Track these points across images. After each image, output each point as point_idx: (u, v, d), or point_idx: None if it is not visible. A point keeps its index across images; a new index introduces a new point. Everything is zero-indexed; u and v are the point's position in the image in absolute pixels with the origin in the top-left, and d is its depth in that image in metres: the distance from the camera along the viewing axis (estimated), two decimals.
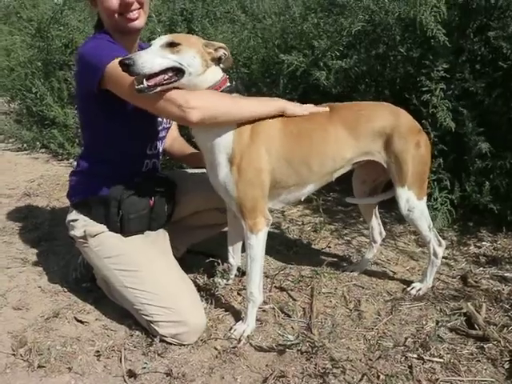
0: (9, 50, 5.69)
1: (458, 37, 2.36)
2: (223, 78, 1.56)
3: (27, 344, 1.57)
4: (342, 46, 2.45)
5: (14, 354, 1.52)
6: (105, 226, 1.70)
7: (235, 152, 1.54)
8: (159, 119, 1.81)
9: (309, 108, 1.67)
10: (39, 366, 1.46)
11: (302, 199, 1.80)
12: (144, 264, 1.65)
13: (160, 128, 1.84)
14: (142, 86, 1.36)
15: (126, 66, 1.32)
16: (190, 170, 2.12)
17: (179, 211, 1.94)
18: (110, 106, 1.60)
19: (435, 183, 2.30)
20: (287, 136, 1.61)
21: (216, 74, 1.54)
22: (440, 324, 1.67)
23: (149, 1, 1.71)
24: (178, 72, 1.42)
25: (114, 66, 1.46)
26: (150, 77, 1.37)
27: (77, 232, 1.72)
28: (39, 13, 4.83)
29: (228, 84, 1.57)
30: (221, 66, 1.55)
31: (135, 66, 1.32)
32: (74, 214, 1.76)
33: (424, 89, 2.25)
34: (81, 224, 1.72)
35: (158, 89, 1.40)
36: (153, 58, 1.36)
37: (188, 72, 1.43)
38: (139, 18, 1.65)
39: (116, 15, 1.61)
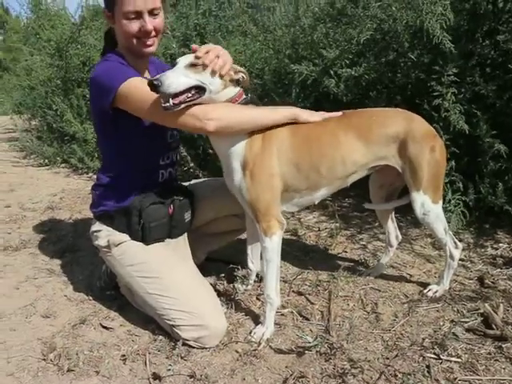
0: (29, 69, 5.89)
1: (467, 41, 2.39)
2: (239, 92, 1.63)
3: (56, 349, 1.63)
4: (351, 55, 2.51)
5: (44, 359, 1.59)
6: (127, 236, 1.77)
7: (247, 158, 1.62)
8: (170, 131, 1.87)
9: (321, 114, 1.72)
10: (68, 370, 1.53)
11: (316, 203, 1.84)
12: (166, 271, 1.71)
13: (171, 140, 1.90)
14: (168, 104, 1.46)
15: (155, 87, 1.42)
16: (206, 179, 2.19)
17: (198, 219, 2.00)
18: (123, 123, 1.69)
19: (448, 186, 2.32)
20: (297, 141, 1.67)
21: (232, 92, 1.62)
22: (455, 323, 1.69)
23: (163, 29, 1.81)
24: (200, 90, 1.51)
25: (127, 86, 1.58)
26: (174, 95, 1.46)
27: (101, 242, 1.80)
28: (57, 33, 5.02)
29: (244, 97, 1.65)
30: (240, 86, 1.64)
31: (163, 86, 1.42)
32: (97, 225, 1.84)
33: (435, 94, 2.28)
34: (104, 234, 1.79)
35: (182, 106, 1.50)
36: (178, 78, 1.45)
37: (209, 90, 1.52)
38: (154, 45, 1.73)
39: (134, 39, 1.69)
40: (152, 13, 1.66)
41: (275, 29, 3.17)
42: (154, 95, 1.52)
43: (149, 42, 1.70)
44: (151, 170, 1.85)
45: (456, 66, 2.29)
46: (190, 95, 1.49)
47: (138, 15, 1.65)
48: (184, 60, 1.52)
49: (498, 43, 2.29)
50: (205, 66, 1.50)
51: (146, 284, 1.69)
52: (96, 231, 1.84)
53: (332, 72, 2.60)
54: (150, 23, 1.66)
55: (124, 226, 1.77)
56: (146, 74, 1.86)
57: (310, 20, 2.87)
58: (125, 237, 1.76)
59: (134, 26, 1.66)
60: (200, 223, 2.04)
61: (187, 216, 1.88)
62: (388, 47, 2.67)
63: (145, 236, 1.75)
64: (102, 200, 1.83)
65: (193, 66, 1.50)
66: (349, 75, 2.55)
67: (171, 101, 1.46)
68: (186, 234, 1.94)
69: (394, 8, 2.36)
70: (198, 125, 1.55)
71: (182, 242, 1.90)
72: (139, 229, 1.74)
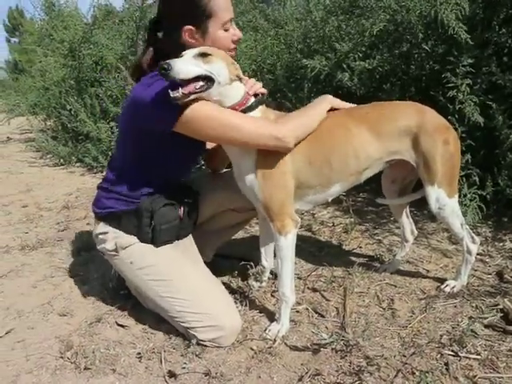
0: (43, 70, 5.96)
1: (483, 30, 2.34)
2: (245, 96, 1.60)
3: (73, 347, 1.65)
4: (364, 47, 2.47)
5: (61, 357, 1.60)
6: (135, 238, 1.71)
7: (259, 156, 1.59)
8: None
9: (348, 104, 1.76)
10: (85, 368, 1.54)
11: (330, 200, 1.82)
12: (177, 272, 1.68)
13: (202, 154, 1.91)
14: (177, 94, 1.42)
15: (164, 70, 1.38)
16: (204, 174, 2.15)
17: (199, 216, 1.96)
18: (169, 141, 1.62)
19: (464, 179, 2.28)
20: (309, 138, 1.64)
21: (240, 89, 1.59)
22: (473, 319, 1.66)
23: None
24: (209, 81, 1.48)
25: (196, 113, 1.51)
26: (183, 84, 1.43)
27: (108, 245, 1.74)
28: (70, 34, 5.07)
29: (252, 99, 1.62)
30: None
31: (172, 71, 1.38)
32: (102, 227, 1.76)
33: (450, 85, 2.23)
34: (111, 236, 1.73)
35: (192, 97, 1.46)
36: (187, 66, 1.43)
37: (217, 81, 1.49)
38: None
39: (227, 51, 1.65)
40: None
41: (286, 23, 3.14)
42: (234, 119, 1.52)
43: (235, 52, 1.71)
44: (170, 182, 1.79)
45: (471, 56, 2.24)
46: (198, 86, 1.46)
47: (229, 23, 1.64)
48: (192, 50, 1.50)
49: None
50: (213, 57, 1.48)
51: (157, 287, 1.67)
52: (101, 233, 1.76)
53: (345, 65, 2.56)
54: (237, 29, 1.69)
55: (133, 227, 1.71)
56: None
57: (321, 13, 2.83)
58: (133, 239, 1.71)
59: (230, 35, 1.65)
60: (200, 220, 1.99)
61: (194, 217, 1.86)
62: (401, 38, 2.63)
63: (155, 238, 1.70)
64: (109, 200, 1.75)
65: (201, 55, 1.47)
66: (362, 68, 2.52)
67: (181, 90, 1.43)
68: (190, 235, 1.90)
69: None
70: (279, 145, 1.55)
71: (189, 242, 1.86)
72: (149, 231, 1.69)
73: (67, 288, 2.12)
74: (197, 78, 1.46)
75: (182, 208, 1.78)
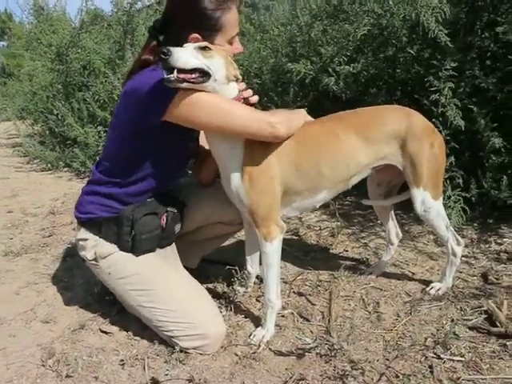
0: (31, 75, 5.92)
1: (466, 34, 2.36)
2: (240, 94, 1.59)
3: (55, 355, 1.62)
4: (349, 51, 2.47)
5: (43, 365, 1.58)
6: (115, 246, 1.68)
7: (246, 161, 1.58)
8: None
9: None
10: (67, 376, 1.51)
11: (317, 206, 1.82)
12: (158, 281, 1.65)
13: (189, 162, 1.89)
14: (172, 75, 1.39)
15: (164, 55, 1.36)
16: (193, 184, 2.07)
17: (184, 227, 1.92)
18: (158, 139, 1.61)
19: (448, 181, 2.29)
20: (297, 143, 1.63)
21: (235, 89, 1.58)
22: (458, 321, 1.66)
23: None
24: (205, 75, 1.47)
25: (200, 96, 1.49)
26: (179, 72, 1.41)
27: (87, 254, 1.71)
28: (58, 38, 5.03)
29: (242, 101, 1.60)
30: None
31: (172, 57, 1.36)
32: (83, 233, 1.73)
33: (433, 89, 2.25)
34: (91, 244, 1.70)
35: (184, 84, 1.43)
36: (187, 56, 1.41)
37: (214, 77, 1.48)
38: None
39: None
40: None
41: (272, 28, 3.15)
42: (226, 104, 1.51)
43: None
44: (155, 190, 1.75)
45: (455, 60, 2.26)
46: (193, 77, 1.44)
47: (235, 37, 1.67)
48: (194, 43, 1.48)
49: (498, 35, 2.26)
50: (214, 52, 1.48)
51: (139, 297, 1.64)
52: (82, 239, 1.73)
53: (330, 69, 2.57)
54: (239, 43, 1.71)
55: (113, 234, 1.68)
56: None
57: (306, 18, 2.84)
58: (112, 248, 1.67)
59: (232, 48, 1.67)
60: (186, 230, 1.96)
61: (177, 228, 1.81)
62: (387, 42, 2.64)
63: (135, 247, 1.66)
64: (91, 205, 1.71)
65: (202, 49, 1.46)
66: (347, 72, 2.53)
67: (175, 73, 1.39)
68: (173, 243, 1.87)
69: (390, 2, 2.33)
70: (272, 131, 1.54)
71: (171, 250, 1.82)
72: (129, 239, 1.66)
73: (51, 295, 2.09)
74: (194, 70, 1.44)
75: (165, 218, 1.73)
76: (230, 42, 1.65)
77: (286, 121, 1.60)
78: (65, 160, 4.67)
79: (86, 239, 1.71)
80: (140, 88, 1.52)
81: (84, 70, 4.79)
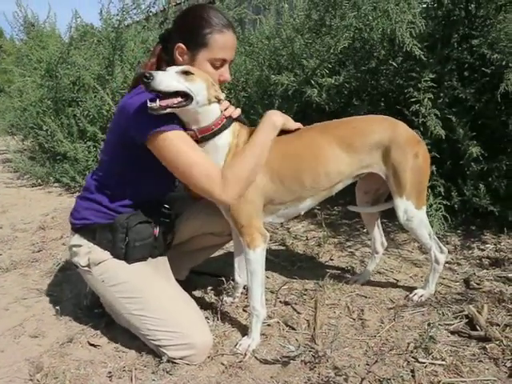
0: (21, 90, 5.93)
1: (443, 47, 2.44)
2: (221, 116, 1.63)
3: (43, 369, 1.63)
4: (331, 64, 2.54)
5: (31, 379, 1.59)
6: (108, 253, 1.72)
7: None
8: None
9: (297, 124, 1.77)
10: None
11: (302, 213, 1.86)
12: (149, 290, 1.68)
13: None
14: (154, 104, 1.45)
15: (146, 78, 1.41)
16: (187, 196, 2.10)
17: (177, 238, 1.98)
18: (147, 157, 1.62)
19: (429, 190, 2.34)
20: (279, 153, 1.68)
21: (217, 110, 1.63)
22: (440, 326, 1.70)
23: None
24: (187, 98, 1.52)
25: (168, 135, 1.54)
26: (162, 97, 1.47)
27: (80, 260, 1.74)
28: (48, 54, 5.08)
29: (224, 121, 1.64)
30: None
31: (154, 81, 1.42)
32: (76, 239, 1.77)
33: (413, 99, 2.32)
34: (84, 251, 1.73)
35: (168, 110, 1.49)
36: (169, 79, 1.46)
37: (196, 100, 1.53)
38: None
39: None
40: (230, 62, 1.70)
41: (257, 41, 3.22)
42: (191, 151, 1.54)
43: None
44: (149, 200, 1.79)
45: (434, 72, 2.33)
46: (176, 102, 1.49)
47: (222, 63, 1.67)
48: (177, 67, 1.54)
49: (473, 47, 2.33)
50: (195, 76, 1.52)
51: (129, 305, 1.67)
52: (75, 246, 1.76)
53: (313, 81, 2.63)
54: (229, 72, 1.70)
55: (107, 241, 1.72)
56: None
57: (289, 31, 2.91)
58: (106, 255, 1.72)
59: (216, 73, 1.66)
60: (179, 241, 2.01)
61: (169, 238, 1.87)
62: (369, 55, 2.72)
63: (128, 254, 1.71)
64: (87, 211, 1.75)
65: (185, 73, 1.51)
66: (330, 84, 2.59)
67: (158, 102, 1.46)
68: (165, 254, 1.90)
69: (370, 17, 2.40)
70: (217, 192, 1.56)
71: (162, 260, 1.86)
72: (123, 246, 1.70)
73: (39, 309, 2.10)
74: (176, 94, 1.49)
75: (158, 227, 1.78)
76: (215, 65, 1.66)
77: (242, 188, 1.59)
78: (55, 175, 4.68)
79: (79, 245, 1.75)
80: (128, 109, 1.57)
81: (74, 86, 4.83)
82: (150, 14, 4.87)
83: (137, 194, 1.74)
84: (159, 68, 1.68)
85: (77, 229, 1.78)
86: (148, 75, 1.41)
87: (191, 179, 1.58)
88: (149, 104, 1.46)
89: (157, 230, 1.78)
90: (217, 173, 1.57)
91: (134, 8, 4.78)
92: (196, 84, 1.52)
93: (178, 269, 1.99)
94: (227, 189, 1.56)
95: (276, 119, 1.68)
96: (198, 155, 1.56)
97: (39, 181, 4.79)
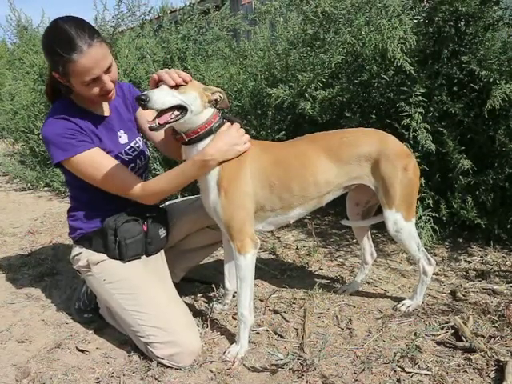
0: (13, 94, 5.91)
1: (434, 62, 2.49)
2: (214, 113, 1.68)
3: (30, 374, 1.63)
4: (324, 78, 2.57)
5: None
6: (105, 256, 1.81)
7: (223, 177, 1.66)
8: (131, 164, 1.89)
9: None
10: None
11: (291, 222, 1.88)
12: (143, 287, 1.74)
13: (135, 171, 1.91)
14: (154, 125, 1.52)
15: (143, 101, 1.46)
16: (177, 200, 2.23)
17: (173, 234, 2.04)
18: None
19: (419, 202, 2.38)
20: (269, 162, 1.72)
21: (209, 112, 1.67)
22: (426, 337, 1.72)
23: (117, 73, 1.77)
24: (183, 110, 1.56)
25: (77, 160, 1.68)
26: (159, 114, 1.53)
27: (81, 262, 1.84)
28: (41, 58, 5.07)
29: (218, 118, 1.69)
30: (218, 106, 1.69)
31: (150, 102, 1.46)
32: (77, 249, 1.88)
33: (404, 113, 2.36)
34: (84, 256, 1.84)
35: (167, 126, 1.56)
36: (164, 96, 1.51)
37: (190, 110, 1.58)
38: (113, 93, 1.74)
39: (96, 98, 1.70)
40: (107, 70, 1.64)
41: (251, 54, 3.25)
42: (106, 168, 1.69)
43: (110, 95, 1.72)
44: (118, 197, 1.83)
45: (424, 87, 2.38)
46: (173, 116, 1.54)
47: (97, 79, 1.62)
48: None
49: (463, 63, 2.39)
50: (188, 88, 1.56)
51: (122, 301, 1.72)
52: (76, 255, 1.88)
53: (307, 94, 2.67)
54: (109, 81, 1.66)
55: (101, 246, 1.81)
56: (100, 107, 1.85)
57: (284, 44, 2.95)
58: (103, 256, 1.81)
59: (95, 89, 1.64)
60: (176, 239, 2.08)
61: (162, 232, 1.92)
62: (361, 69, 2.76)
63: (122, 253, 1.78)
64: (78, 223, 1.86)
65: (177, 86, 1.55)
66: (323, 97, 2.63)
67: (157, 121, 1.52)
68: (163, 252, 1.97)
69: (363, 32, 2.45)
70: (140, 196, 1.74)
71: (160, 260, 1.94)
72: (116, 247, 1.78)
73: (27, 314, 2.09)
74: (172, 108, 1.54)
75: (146, 222, 1.86)
76: (90, 85, 1.62)
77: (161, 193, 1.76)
78: (45, 180, 4.65)
79: (80, 253, 1.85)
80: (44, 140, 1.72)
81: None
82: (145, 21, 4.90)
83: (109, 200, 1.80)
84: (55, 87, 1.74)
85: (76, 241, 1.89)
86: (144, 97, 1.45)
87: (112, 190, 1.76)
88: (148, 124, 1.53)
89: (146, 226, 1.86)
90: (131, 181, 1.74)
91: (129, 16, 4.81)
92: (189, 95, 1.57)
93: (175, 269, 2.07)
94: (145, 196, 1.74)
95: (209, 163, 1.65)
96: (112, 168, 1.71)
97: (29, 185, 4.76)
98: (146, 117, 1.89)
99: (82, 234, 1.85)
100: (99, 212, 1.83)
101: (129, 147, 1.89)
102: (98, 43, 1.59)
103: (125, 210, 1.82)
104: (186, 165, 1.69)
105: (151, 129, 1.53)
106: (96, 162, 1.70)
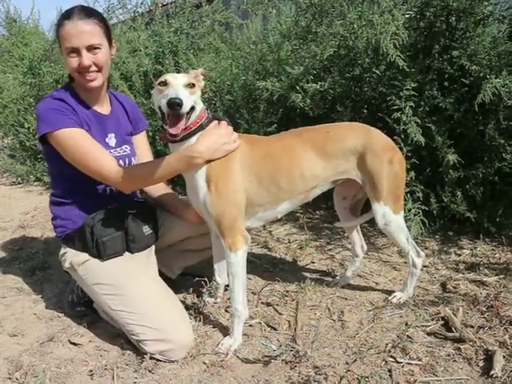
0: (2, 87, 5.84)
1: (425, 57, 2.51)
2: (203, 109, 1.67)
3: (23, 368, 1.62)
4: (316, 70, 2.58)
5: (9, 378, 1.58)
6: (87, 254, 1.78)
7: (211, 173, 1.64)
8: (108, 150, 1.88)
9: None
10: None
11: (279, 217, 1.89)
12: (128, 286, 1.71)
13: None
14: (178, 132, 1.51)
15: (179, 106, 1.44)
16: (184, 197, 2.17)
17: (167, 239, 2.04)
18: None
19: (408, 195, 2.41)
20: (257, 156, 1.72)
21: (200, 105, 1.65)
22: (417, 328, 1.75)
23: (109, 65, 1.81)
24: (191, 110, 1.56)
25: (62, 134, 1.66)
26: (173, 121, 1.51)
27: (66, 264, 1.83)
28: (31, 51, 5.01)
29: (207, 114, 1.67)
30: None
31: (184, 107, 1.46)
32: (63, 249, 1.88)
33: (395, 107, 2.38)
34: (69, 256, 1.82)
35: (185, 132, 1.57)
36: (187, 100, 1.49)
37: (196, 109, 1.59)
38: (96, 80, 1.74)
39: (76, 74, 1.72)
40: (91, 49, 1.69)
41: (243, 46, 3.25)
42: (87, 146, 1.67)
43: (89, 77, 1.72)
44: (95, 189, 1.84)
45: (415, 81, 2.40)
46: (185, 121, 1.53)
47: (77, 52, 1.68)
48: (182, 79, 1.55)
49: (453, 58, 2.41)
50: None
51: (110, 301, 1.70)
52: (63, 254, 1.86)
53: (298, 87, 2.67)
54: (88, 59, 1.69)
55: (81, 245, 1.79)
56: (100, 106, 1.87)
57: (276, 37, 2.95)
58: (86, 256, 1.78)
59: (74, 61, 1.70)
60: (176, 239, 2.07)
61: (146, 230, 1.86)
62: (353, 63, 2.77)
63: (100, 252, 1.74)
64: (61, 223, 1.85)
65: (189, 86, 1.54)
66: (314, 90, 2.63)
67: (181, 128, 1.51)
68: (153, 247, 1.94)
69: (355, 26, 2.46)
70: (117, 179, 1.69)
71: (146, 255, 1.88)
72: (93, 245, 1.75)
73: (19, 308, 2.08)
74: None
75: (126, 220, 1.82)
76: (70, 56, 1.70)
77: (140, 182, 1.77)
78: (35, 174, 4.62)
79: (65, 253, 1.84)
80: (37, 112, 1.73)
81: (57, 84, 4.77)
82: (137, 14, 4.86)
83: (88, 194, 1.82)
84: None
85: (61, 240, 1.88)
86: (179, 102, 1.43)
87: (89, 169, 1.71)
88: (172, 132, 1.50)
89: (126, 223, 1.81)
90: (109, 161, 1.70)
91: (120, 8, 4.77)
92: (197, 94, 1.58)
93: (171, 267, 2.07)
94: (122, 180, 1.69)
95: (196, 161, 1.63)
96: (94, 146, 1.70)
97: (19, 179, 4.72)
98: (137, 144, 2.00)
99: (66, 234, 1.83)
100: (78, 211, 1.81)
101: (114, 150, 1.87)
102: (91, 22, 1.70)
103: (104, 208, 1.80)
104: (171, 157, 1.66)
105: (176, 136, 1.51)
106: (80, 138, 1.68)
